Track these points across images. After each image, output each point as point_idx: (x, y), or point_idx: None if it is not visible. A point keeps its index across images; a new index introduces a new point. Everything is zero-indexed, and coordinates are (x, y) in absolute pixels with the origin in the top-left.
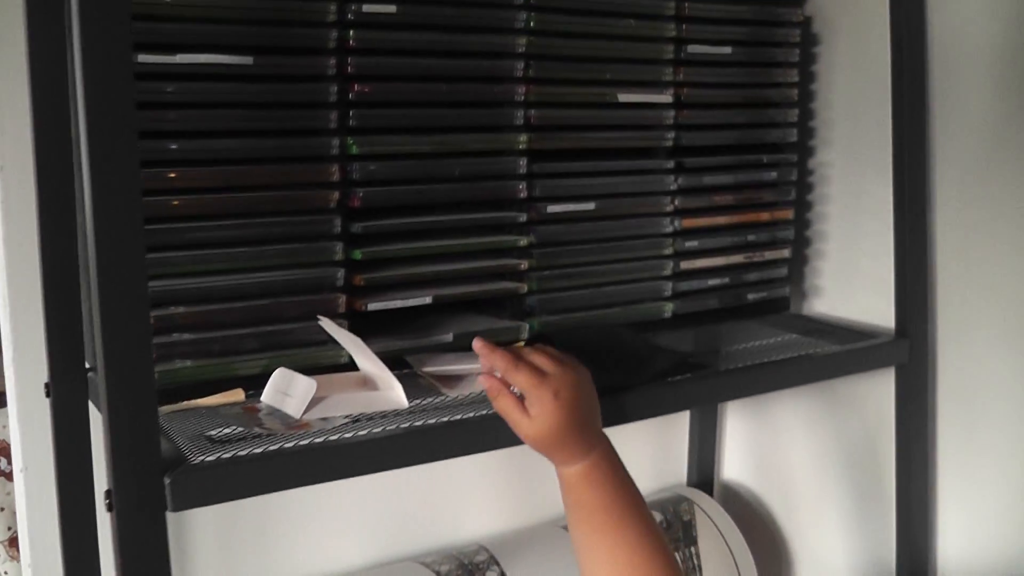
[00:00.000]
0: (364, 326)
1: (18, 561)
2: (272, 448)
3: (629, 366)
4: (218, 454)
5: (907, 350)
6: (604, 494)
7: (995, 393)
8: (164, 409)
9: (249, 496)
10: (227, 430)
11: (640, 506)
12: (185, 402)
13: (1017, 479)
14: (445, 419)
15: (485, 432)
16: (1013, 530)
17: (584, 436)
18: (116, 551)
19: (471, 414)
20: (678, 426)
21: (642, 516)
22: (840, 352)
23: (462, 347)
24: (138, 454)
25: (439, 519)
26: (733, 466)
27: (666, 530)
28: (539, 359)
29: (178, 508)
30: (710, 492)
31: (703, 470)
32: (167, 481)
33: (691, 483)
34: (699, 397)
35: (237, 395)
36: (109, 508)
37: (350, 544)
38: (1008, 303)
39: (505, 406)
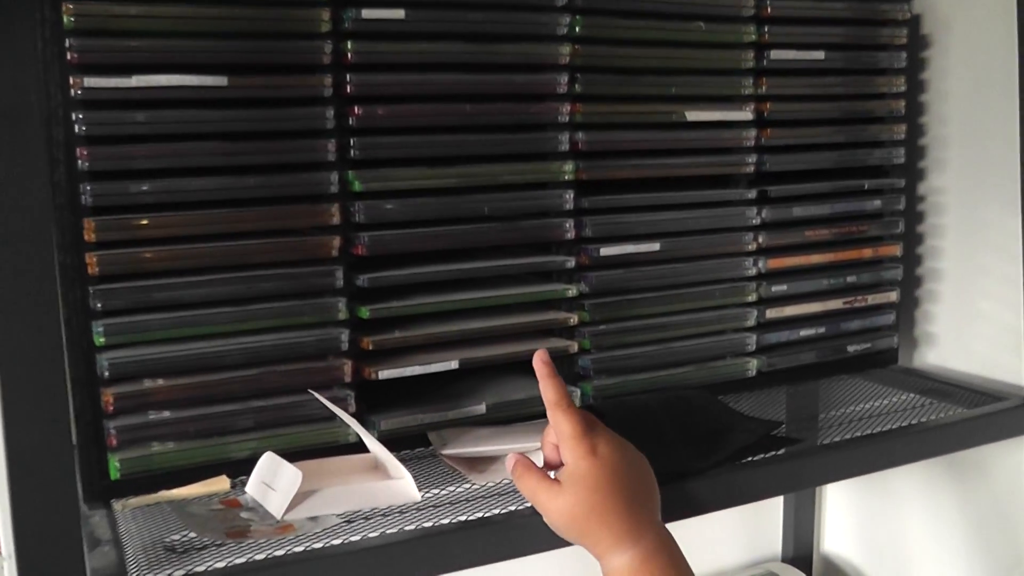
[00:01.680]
0: (376, 398)
1: None
2: (238, 563)
3: (702, 443)
4: (169, 572)
5: None
6: None
7: None
8: (132, 503)
9: None
10: (190, 534)
11: None
12: (158, 493)
13: None
14: (463, 518)
15: (516, 533)
16: None
17: (632, 516)
18: None
19: (497, 511)
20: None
21: None
22: (963, 420)
23: (497, 420)
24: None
25: None
26: (836, 539)
27: None
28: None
29: None
30: (808, 570)
31: (801, 543)
32: None
33: (786, 558)
34: (790, 482)
35: (220, 483)
36: None
37: None
38: None
39: (530, 484)
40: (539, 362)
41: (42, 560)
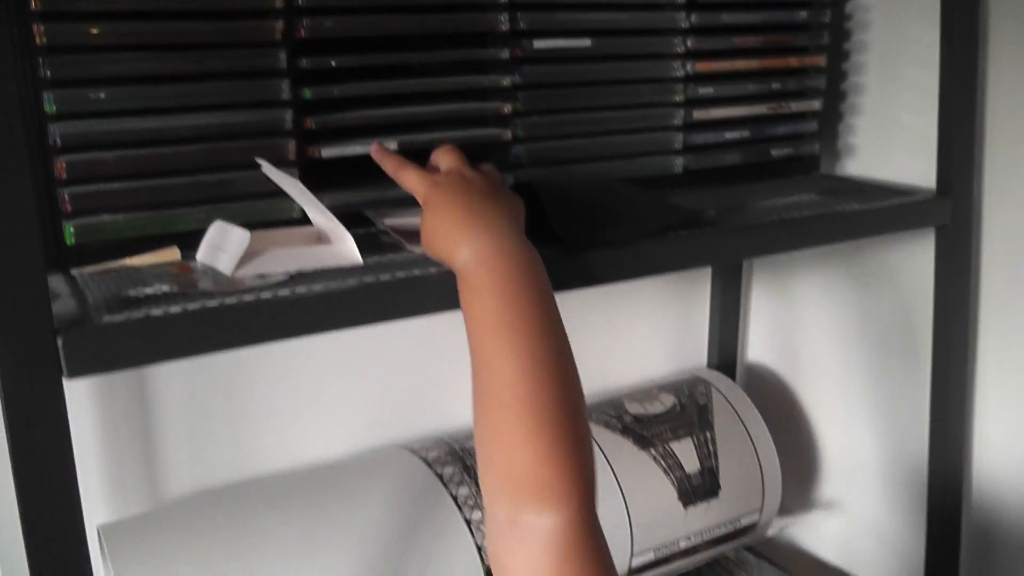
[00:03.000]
0: (319, 177)
1: None
2: (191, 307)
3: (629, 221)
4: (128, 314)
5: (949, 209)
6: (495, 298)
7: None
8: (86, 270)
9: (159, 361)
10: (148, 290)
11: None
12: (110, 262)
13: None
14: (401, 275)
15: (448, 289)
16: None
17: (482, 227)
18: (7, 427)
19: (433, 270)
20: (698, 306)
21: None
22: (875, 209)
23: None
24: (26, 311)
25: (430, 408)
26: (757, 348)
27: (679, 414)
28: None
29: (75, 374)
30: (732, 376)
31: (725, 353)
32: (60, 342)
33: (711, 366)
34: (710, 254)
35: (171, 254)
36: None
37: (337, 434)
38: None
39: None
40: (374, 152)
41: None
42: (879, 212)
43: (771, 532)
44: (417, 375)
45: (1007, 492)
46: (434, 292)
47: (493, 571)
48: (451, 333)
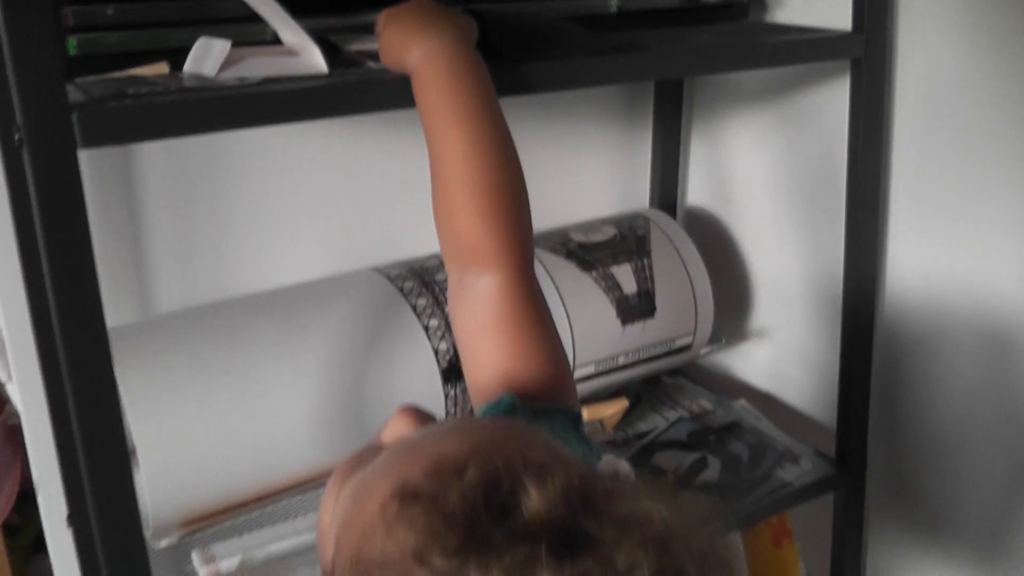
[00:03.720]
0: (291, 5)
1: None
2: (184, 93)
3: (568, 45)
4: (129, 100)
5: (863, 43)
6: (442, 92)
7: (953, 97)
8: (88, 78)
9: (157, 138)
10: (144, 88)
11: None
12: (108, 74)
13: (971, 191)
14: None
15: (405, 90)
16: (961, 248)
17: (429, 33)
18: (34, 193)
19: (392, 75)
20: (640, 152)
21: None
22: (795, 40)
23: None
24: (45, 94)
25: (397, 235)
26: (696, 192)
27: (619, 243)
28: None
29: (88, 144)
30: (673, 216)
31: (666, 195)
32: (75, 117)
33: (653, 206)
34: (641, 70)
35: (161, 68)
36: (19, 145)
37: (312, 261)
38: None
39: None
40: None
41: None
42: (799, 43)
43: (704, 352)
44: (385, 207)
45: (915, 308)
46: (393, 91)
47: (452, 327)
48: (419, 171)
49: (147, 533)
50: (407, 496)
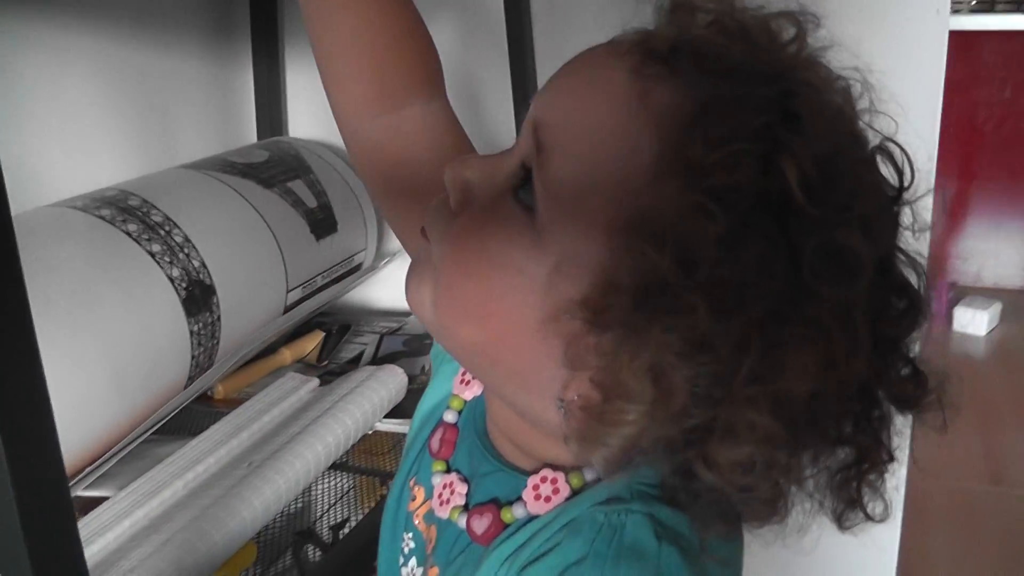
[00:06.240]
0: None
1: None
2: None
3: None
4: None
5: None
6: None
7: None
8: None
9: None
10: None
11: None
12: None
13: None
14: None
15: None
16: None
17: None
18: None
19: None
20: (243, 88)
21: None
22: None
23: None
24: None
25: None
26: (301, 126)
27: (279, 161)
28: None
29: None
30: None
31: (275, 129)
32: None
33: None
34: None
35: None
36: None
37: None
38: None
39: None
40: None
41: None
42: None
43: (381, 265)
44: None
45: None
46: None
47: (373, 183)
48: None
49: None
50: None
